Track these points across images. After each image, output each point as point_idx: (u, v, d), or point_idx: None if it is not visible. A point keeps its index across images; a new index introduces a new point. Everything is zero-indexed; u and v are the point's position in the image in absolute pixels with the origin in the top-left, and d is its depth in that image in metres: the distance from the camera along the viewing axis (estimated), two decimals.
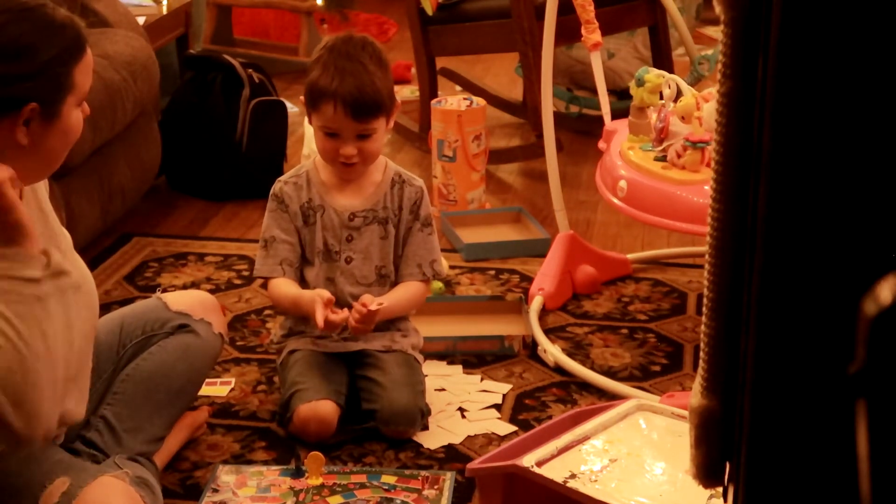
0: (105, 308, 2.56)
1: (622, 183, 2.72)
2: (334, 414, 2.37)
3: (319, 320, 2.32)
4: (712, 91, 2.82)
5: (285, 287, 2.45)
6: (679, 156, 2.65)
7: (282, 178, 2.53)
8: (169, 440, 2.25)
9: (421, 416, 2.40)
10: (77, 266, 1.97)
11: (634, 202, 2.69)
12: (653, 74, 2.84)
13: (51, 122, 1.88)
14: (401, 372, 2.44)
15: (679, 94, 2.81)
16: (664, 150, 2.72)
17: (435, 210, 3.52)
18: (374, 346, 2.48)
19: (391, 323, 2.51)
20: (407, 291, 2.49)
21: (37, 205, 1.96)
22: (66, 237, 2.02)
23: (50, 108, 1.87)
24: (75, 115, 1.93)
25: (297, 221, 2.48)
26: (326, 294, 2.36)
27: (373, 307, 2.35)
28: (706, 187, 2.55)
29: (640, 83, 2.83)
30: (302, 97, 2.45)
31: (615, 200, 2.75)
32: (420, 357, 2.53)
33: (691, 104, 2.73)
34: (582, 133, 4.16)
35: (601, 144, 2.97)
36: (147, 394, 2.16)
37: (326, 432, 2.36)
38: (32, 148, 1.87)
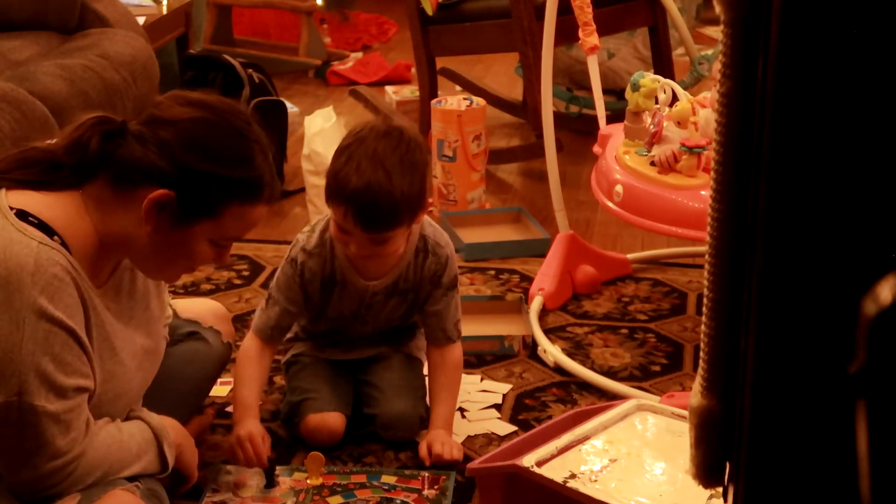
0: None
1: (618, 187, 2.72)
2: (342, 425, 2.37)
3: (238, 455, 2.23)
4: (707, 95, 2.82)
5: (246, 371, 2.33)
6: (677, 160, 2.65)
7: (306, 244, 2.35)
8: None
9: (420, 422, 2.39)
10: (157, 332, 2.06)
11: (631, 207, 2.69)
12: (648, 79, 2.84)
13: (176, 229, 1.83)
14: (401, 376, 2.43)
15: (675, 98, 2.81)
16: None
17: (435, 210, 3.52)
18: (376, 353, 2.49)
19: (393, 330, 2.51)
20: (447, 381, 2.38)
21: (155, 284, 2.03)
22: (164, 309, 2.10)
23: (184, 213, 1.82)
24: (204, 247, 1.87)
25: (315, 295, 2.38)
26: (258, 435, 2.25)
27: (450, 457, 2.29)
28: (703, 192, 2.57)
29: (636, 88, 2.83)
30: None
31: (611, 205, 2.75)
32: (423, 357, 2.52)
33: (687, 109, 2.72)
34: (582, 133, 4.16)
35: (596, 149, 2.97)
36: (155, 399, 2.15)
37: (334, 441, 2.37)
38: (150, 239, 1.83)
